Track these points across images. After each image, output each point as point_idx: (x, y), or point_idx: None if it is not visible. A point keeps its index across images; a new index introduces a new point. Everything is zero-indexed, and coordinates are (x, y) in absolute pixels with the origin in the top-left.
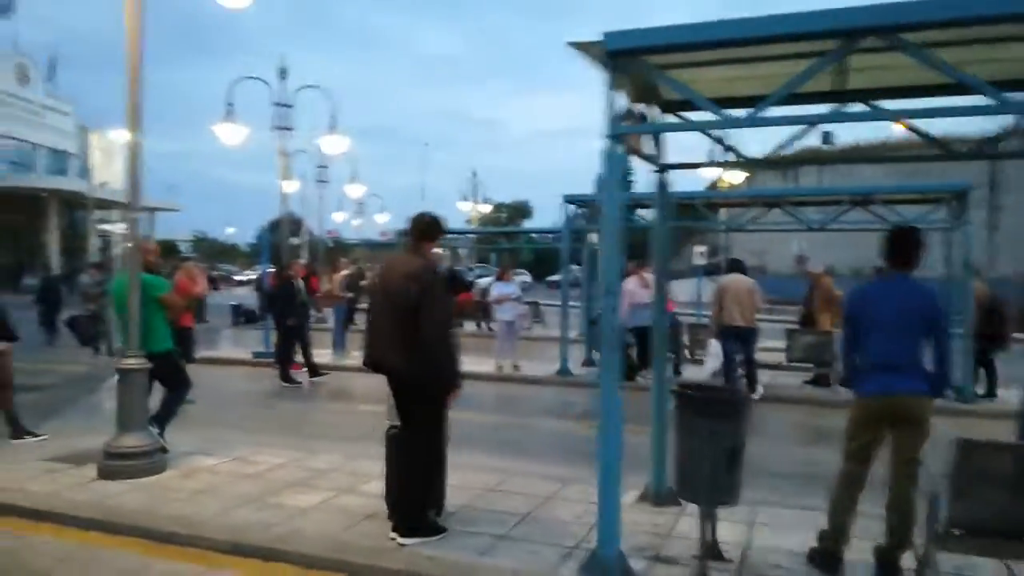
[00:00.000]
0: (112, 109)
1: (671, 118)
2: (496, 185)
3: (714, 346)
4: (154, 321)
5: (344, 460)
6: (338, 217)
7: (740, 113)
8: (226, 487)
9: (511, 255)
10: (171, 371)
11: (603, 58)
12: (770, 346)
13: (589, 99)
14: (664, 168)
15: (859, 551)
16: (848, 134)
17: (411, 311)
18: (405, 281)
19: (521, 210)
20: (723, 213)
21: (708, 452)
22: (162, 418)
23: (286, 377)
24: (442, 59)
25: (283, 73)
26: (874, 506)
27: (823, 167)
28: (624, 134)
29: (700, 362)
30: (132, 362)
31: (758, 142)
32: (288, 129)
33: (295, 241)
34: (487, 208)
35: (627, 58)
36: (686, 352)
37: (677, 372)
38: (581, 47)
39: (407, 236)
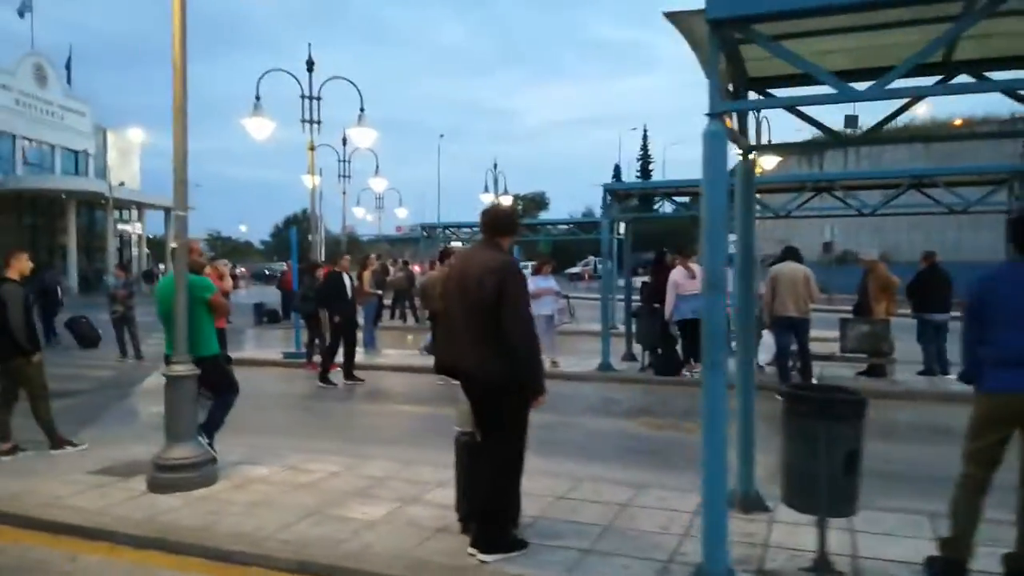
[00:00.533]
0: (127, 107)
1: (753, 96)
2: (510, 176)
3: (766, 337)
4: (201, 324)
5: (400, 467)
6: (358, 212)
7: (861, 86)
8: (283, 499)
9: (533, 247)
10: (219, 376)
11: (702, 29)
12: (816, 336)
13: (598, 89)
14: (751, 150)
15: (986, 559)
16: (871, 116)
17: (491, 309)
18: (484, 277)
19: (537, 201)
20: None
21: (827, 457)
22: (210, 426)
23: (325, 378)
24: (453, 50)
25: (310, 65)
26: (998, 510)
27: (847, 151)
28: (725, 112)
29: None
30: (180, 368)
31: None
32: (317, 123)
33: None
34: (509, 199)
35: (732, 27)
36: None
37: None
38: (676, 17)
39: (482, 230)
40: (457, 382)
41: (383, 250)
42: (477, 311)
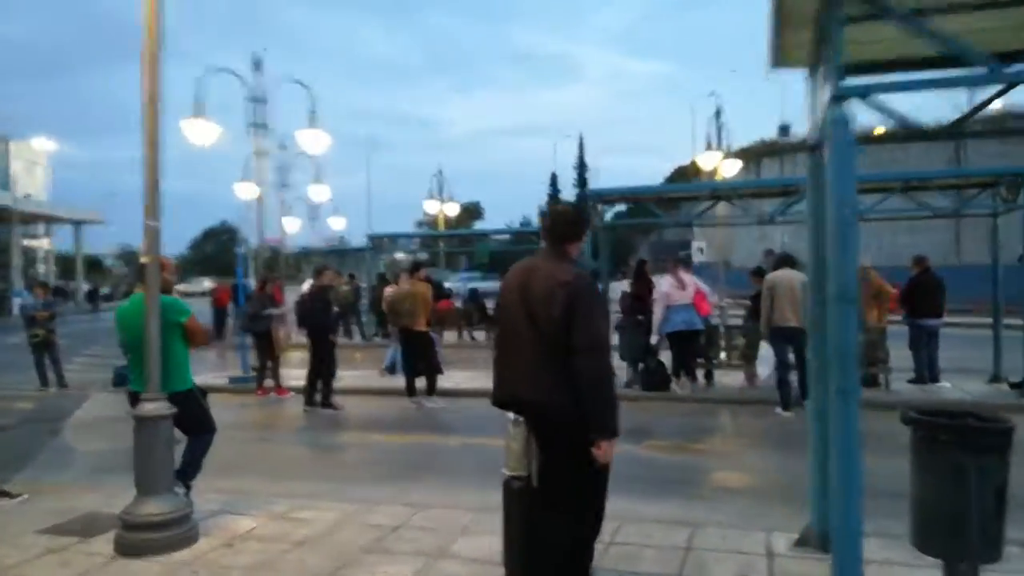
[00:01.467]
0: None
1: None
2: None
3: (764, 349)
4: (175, 353)
5: (408, 511)
6: (291, 224)
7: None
8: (286, 560)
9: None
10: (195, 413)
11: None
12: None
13: (524, 99)
14: (822, 145)
15: None
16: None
17: (561, 331)
18: (552, 292)
19: (472, 211)
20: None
21: (975, 496)
22: (188, 473)
23: (311, 401)
24: (378, 60)
25: (258, 65)
26: None
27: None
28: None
29: (738, 367)
30: (153, 408)
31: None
32: (263, 126)
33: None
34: (455, 208)
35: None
36: (723, 356)
37: (709, 379)
38: None
39: (544, 236)
40: (515, 415)
41: (317, 263)
42: (543, 332)
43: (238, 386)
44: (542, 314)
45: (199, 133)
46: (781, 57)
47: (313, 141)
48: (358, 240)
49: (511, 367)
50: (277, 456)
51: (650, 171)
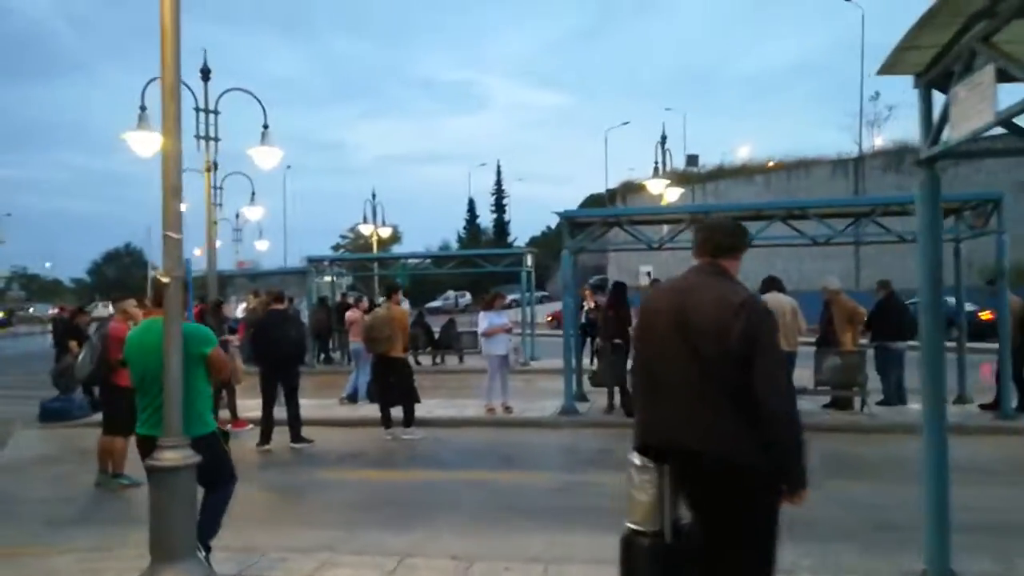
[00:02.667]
0: None
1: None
2: (351, 210)
3: None
4: (197, 390)
5: (454, 565)
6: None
7: None
8: None
9: (386, 281)
10: (217, 461)
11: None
12: None
13: (431, 126)
14: (937, 159)
15: None
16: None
17: (733, 364)
18: (725, 318)
19: (392, 235)
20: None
21: None
22: (207, 531)
23: (299, 438)
24: (284, 82)
25: (206, 74)
26: None
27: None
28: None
29: None
30: (175, 456)
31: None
32: (216, 140)
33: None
34: (387, 231)
35: None
36: None
37: None
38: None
39: (700, 251)
40: (643, 460)
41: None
42: (709, 366)
43: None
44: (710, 345)
45: (144, 144)
46: (894, 62)
47: (265, 157)
48: (271, 263)
49: (664, 408)
50: (265, 501)
51: (562, 199)
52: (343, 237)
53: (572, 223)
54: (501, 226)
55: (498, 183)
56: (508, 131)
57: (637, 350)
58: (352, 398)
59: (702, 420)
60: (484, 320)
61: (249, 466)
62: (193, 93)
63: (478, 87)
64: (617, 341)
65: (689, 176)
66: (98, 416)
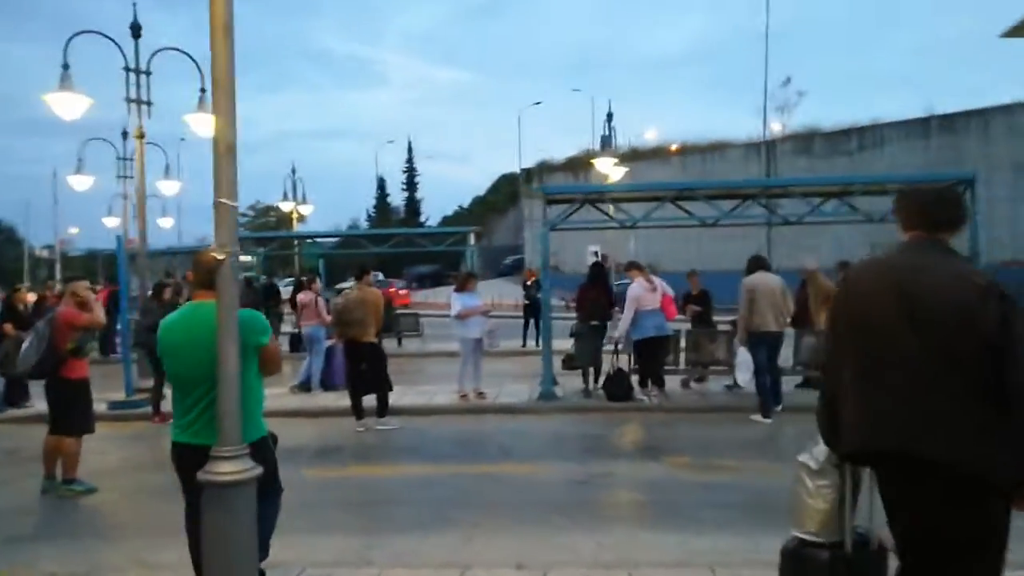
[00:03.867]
0: None
1: None
2: (252, 186)
3: (743, 355)
4: (251, 387)
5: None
6: (110, 222)
7: None
8: None
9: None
10: (270, 468)
11: None
12: None
13: (329, 101)
14: None
15: None
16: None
17: (978, 354)
18: (967, 301)
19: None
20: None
21: None
22: (262, 551)
23: None
24: (177, 52)
25: (136, 31)
26: None
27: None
28: None
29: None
30: (232, 469)
31: None
32: (148, 103)
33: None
34: (308, 208)
35: None
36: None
37: (686, 386)
38: None
39: (910, 223)
40: (815, 461)
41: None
42: (955, 358)
43: (122, 412)
44: (953, 334)
45: (66, 106)
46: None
47: (204, 124)
48: (167, 242)
49: (892, 408)
50: None
51: (471, 179)
52: (243, 215)
53: (548, 199)
54: (413, 205)
55: (409, 160)
56: (407, 108)
57: (841, 339)
58: (305, 386)
59: (948, 424)
60: (457, 302)
61: None
62: (123, 52)
63: (376, 63)
64: (595, 323)
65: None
66: (10, 412)
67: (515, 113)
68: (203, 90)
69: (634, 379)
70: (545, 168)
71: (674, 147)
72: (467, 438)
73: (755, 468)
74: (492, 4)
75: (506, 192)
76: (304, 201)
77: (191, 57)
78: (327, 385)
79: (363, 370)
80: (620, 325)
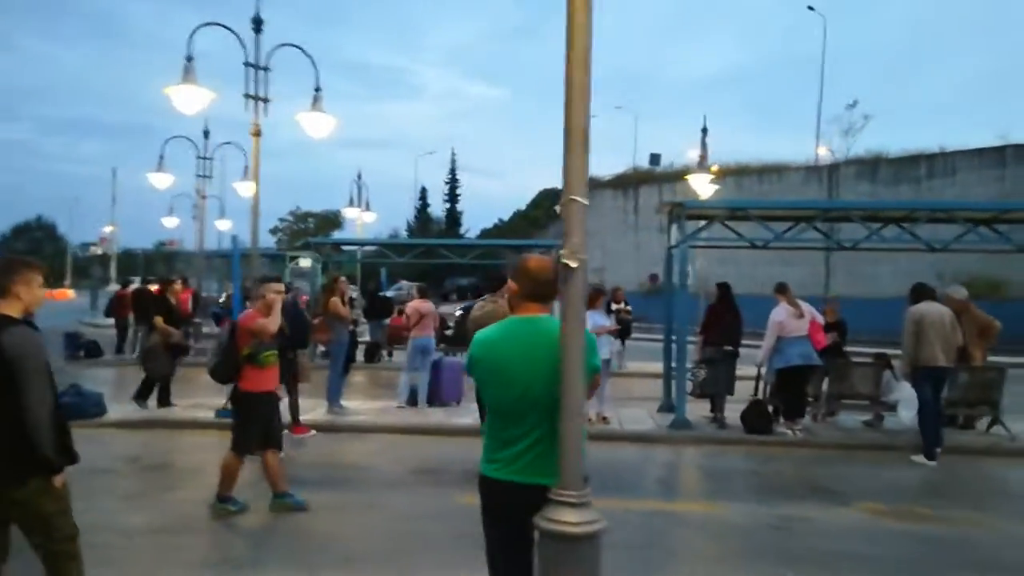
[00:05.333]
0: None
1: None
2: (279, 194)
3: (907, 391)
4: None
5: None
6: (169, 223)
7: None
8: None
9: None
10: None
11: None
12: None
13: (361, 112)
14: None
15: None
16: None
17: None
18: None
19: (332, 220)
20: None
21: None
22: None
23: None
24: (199, 56)
25: (258, 25)
26: None
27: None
28: None
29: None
30: (580, 519)
31: None
32: (265, 100)
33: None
34: (371, 216)
35: None
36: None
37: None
38: None
39: None
40: None
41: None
42: None
43: (228, 421)
44: None
45: (187, 100)
46: None
47: (316, 125)
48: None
49: None
50: (405, 531)
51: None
52: (281, 220)
53: (688, 215)
54: (453, 216)
55: (452, 172)
56: (442, 121)
57: None
58: (413, 402)
59: None
60: (588, 320)
61: (366, 484)
62: (243, 44)
63: (409, 74)
64: (728, 348)
65: (655, 175)
66: (114, 415)
67: (550, 131)
68: (318, 88)
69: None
70: (594, 185)
71: (714, 167)
72: (611, 468)
73: (959, 519)
74: (528, 25)
75: (546, 207)
76: (368, 208)
77: (305, 53)
78: (433, 401)
79: None
80: (761, 352)
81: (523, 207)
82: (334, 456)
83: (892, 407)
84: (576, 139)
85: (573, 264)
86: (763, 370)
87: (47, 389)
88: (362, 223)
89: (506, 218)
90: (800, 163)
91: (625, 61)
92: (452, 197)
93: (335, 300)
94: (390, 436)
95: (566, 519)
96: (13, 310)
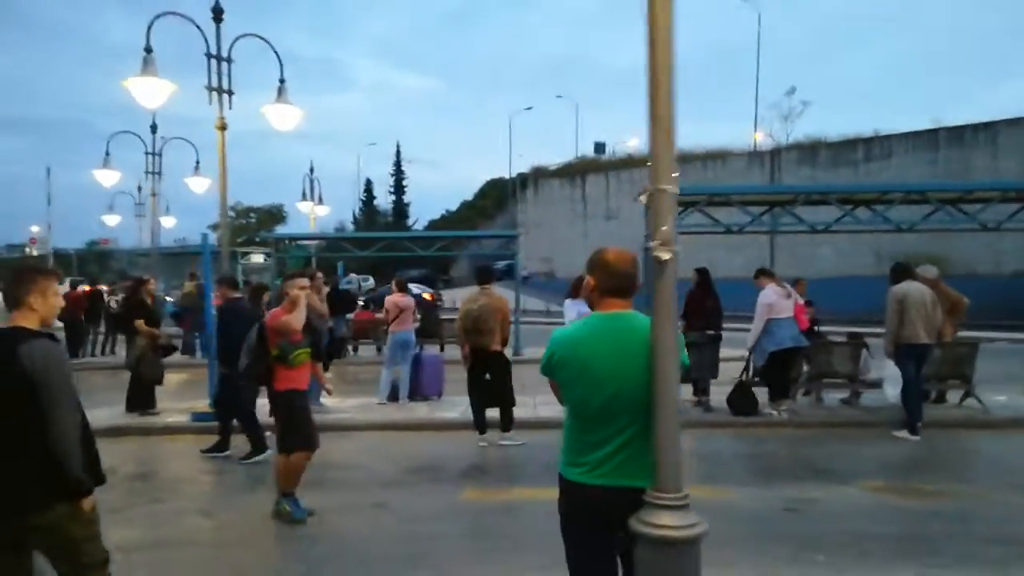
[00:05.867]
0: None
1: None
2: (214, 188)
3: (891, 368)
4: None
5: None
6: (111, 220)
7: None
8: None
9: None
10: None
11: None
12: None
13: (299, 102)
14: None
15: None
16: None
17: None
18: None
19: (275, 214)
20: None
21: None
22: None
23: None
24: (125, 48)
25: (218, 15)
26: None
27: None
28: None
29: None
30: (679, 523)
31: None
32: (229, 93)
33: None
34: (324, 210)
35: None
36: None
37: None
38: None
39: None
40: None
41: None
42: None
43: (206, 425)
44: None
45: (147, 93)
46: None
47: (282, 117)
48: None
49: None
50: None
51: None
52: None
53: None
54: (400, 208)
55: (397, 164)
56: (375, 113)
57: None
58: (394, 397)
59: None
60: (572, 309)
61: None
62: (204, 36)
63: (343, 67)
64: (710, 332)
65: (601, 164)
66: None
67: (486, 119)
68: (282, 80)
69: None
70: (541, 175)
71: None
72: None
73: (959, 492)
74: (457, 12)
75: (493, 197)
76: (321, 202)
77: (270, 44)
78: (414, 395)
79: (487, 381)
80: (751, 335)
81: (469, 197)
82: (324, 456)
83: (874, 384)
84: (661, 127)
85: (665, 256)
86: (751, 353)
87: (74, 404)
88: (315, 216)
89: (452, 208)
90: (743, 149)
91: (559, 50)
92: (398, 189)
93: (313, 295)
94: (378, 433)
95: (667, 522)
96: (29, 322)
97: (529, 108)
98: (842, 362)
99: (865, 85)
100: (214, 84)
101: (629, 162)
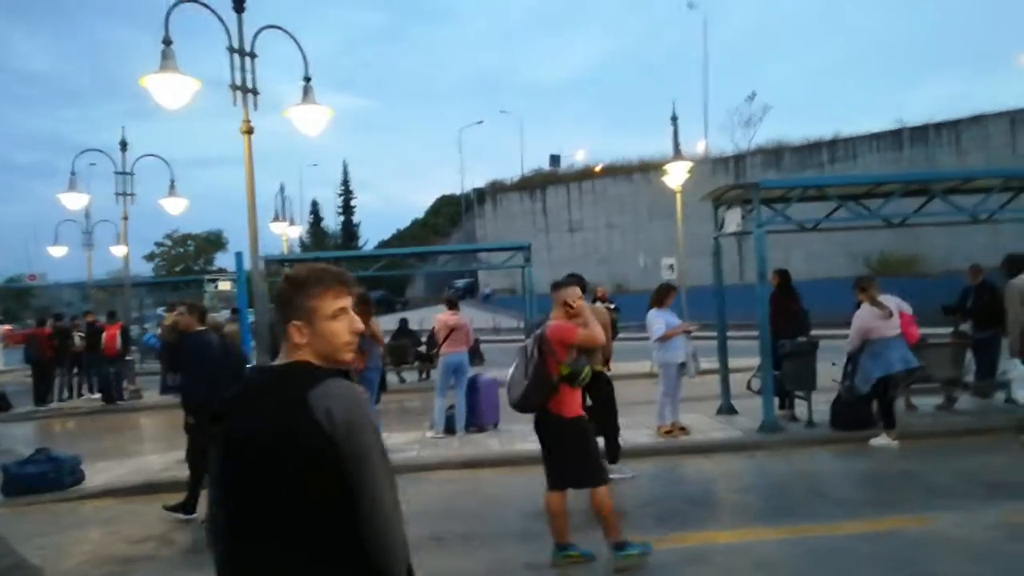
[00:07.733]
0: None
1: None
2: (140, 218)
3: (1018, 369)
4: None
5: None
6: (56, 252)
7: None
8: None
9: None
10: None
11: None
12: None
13: (214, 127)
14: None
15: None
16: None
17: None
18: None
19: (214, 241)
20: None
21: None
22: None
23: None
24: (37, 77)
25: (240, 4)
26: None
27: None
28: None
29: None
30: None
31: None
32: (254, 92)
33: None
34: (296, 231)
35: None
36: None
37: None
38: None
39: None
40: None
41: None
42: None
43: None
44: None
45: (169, 91)
46: None
47: (309, 120)
48: (71, 275)
49: None
50: None
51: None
52: (158, 244)
53: (763, 198)
54: (349, 230)
55: (345, 184)
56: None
57: None
58: (451, 429)
59: None
60: (659, 319)
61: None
62: (226, 26)
63: (266, 88)
64: (802, 339)
65: (559, 176)
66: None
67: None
68: (307, 79)
69: None
70: (499, 189)
71: (598, 168)
72: (738, 485)
73: None
74: (386, 30)
75: (446, 214)
76: (293, 223)
77: (292, 37)
78: (470, 425)
79: (589, 407)
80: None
81: (419, 215)
82: (421, 502)
83: (998, 387)
84: None
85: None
86: (849, 369)
87: (392, 478)
88: (288, 238)
89: (403, 227)
90: (714, 155)
91: (490, 65)
92: (347, 209)
93: (374, 320)
94: (456, 472)
95: None
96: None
97: (480, 122)
98: (942, 365)
99: (815, 89)
100: (237, 82)
101: (588, 173)
